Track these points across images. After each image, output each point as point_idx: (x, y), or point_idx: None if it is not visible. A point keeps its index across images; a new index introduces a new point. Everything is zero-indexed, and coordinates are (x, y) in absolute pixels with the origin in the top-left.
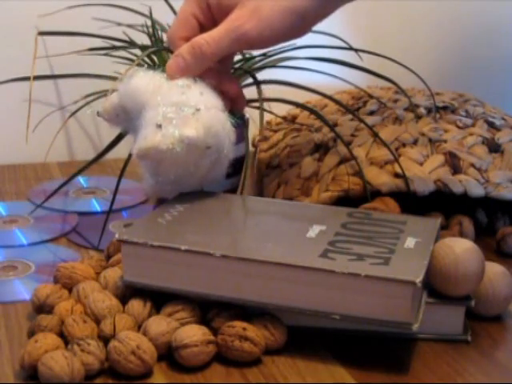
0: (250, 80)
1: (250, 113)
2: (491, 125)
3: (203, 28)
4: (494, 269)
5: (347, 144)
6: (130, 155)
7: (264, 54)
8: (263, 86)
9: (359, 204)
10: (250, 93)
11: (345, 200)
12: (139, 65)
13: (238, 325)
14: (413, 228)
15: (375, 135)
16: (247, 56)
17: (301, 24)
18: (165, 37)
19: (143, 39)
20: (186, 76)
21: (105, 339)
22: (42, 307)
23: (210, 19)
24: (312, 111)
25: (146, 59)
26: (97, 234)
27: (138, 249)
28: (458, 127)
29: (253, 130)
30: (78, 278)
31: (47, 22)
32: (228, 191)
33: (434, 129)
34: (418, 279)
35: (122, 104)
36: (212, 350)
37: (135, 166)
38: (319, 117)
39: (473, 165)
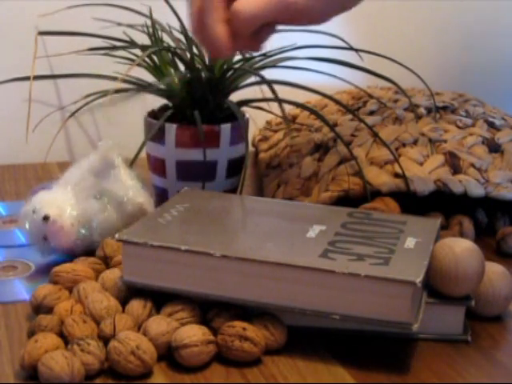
0: (253, 79)
1: (250, 113)
2: (491, 125)
3: None
4: (494, 269)
5: (347, 144)
6: (134, 157)
7: (264, 54)
8: (263, 86)
9: (359, 204)
10: (250, 93)
11: (345, 200)
12: (139, 65)
13: (238, 325)
14: (413, 228)
15: (375, 135)
16: (247, 56)
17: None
18: (165, 36)
19: (143, 39)
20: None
21: (105, 339)
22: (39, 307)
23: None
24: (312, 111)
25: (147, 59)
26: None
27: (138, 249)
28: (458, 127)
29: (253, 130)
30: (82, 280)
31: (47, 22)
32: (228, 191)
33: (434, 129)
34: (418, 279)
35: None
36: (212, 350)
37: (136, 166)
38: (319, 117)
39: (473, 165)
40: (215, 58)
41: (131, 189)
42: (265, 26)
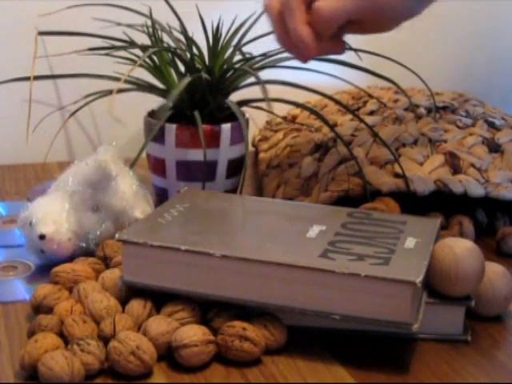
0: (253, 79)
1: (250, 113)
2: (491, 125)
3: None
4: (494, 269)
5: (347, 144)
6: (136, 158)
7: (264, 54)
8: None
9: (359, 204)
10: (250, 93)
11: (345, 200)
12: (139, 65)
13: (238, 325)
14: (413, 228)
15: (375, 135)
16: (247, 56)
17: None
18: (165, 36)
19: (143, 39)
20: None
21: (105, 339)
22: (39, 307)
23: None
24: (312, 111)
25: (147, 59)
26: None
27: (138, 249)
28: (458, 127)
29: (253, 130)
30: (82, 280)
31: (47, 22)
32: (228, 191)
33: (433, 129)
34: (418, 279)
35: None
36: (212, 349)
37: (136, 166)
38: (319, 117)
39: (473, 165)
40: (303, 62)
41: (129, 201)
42: (343, 28)
